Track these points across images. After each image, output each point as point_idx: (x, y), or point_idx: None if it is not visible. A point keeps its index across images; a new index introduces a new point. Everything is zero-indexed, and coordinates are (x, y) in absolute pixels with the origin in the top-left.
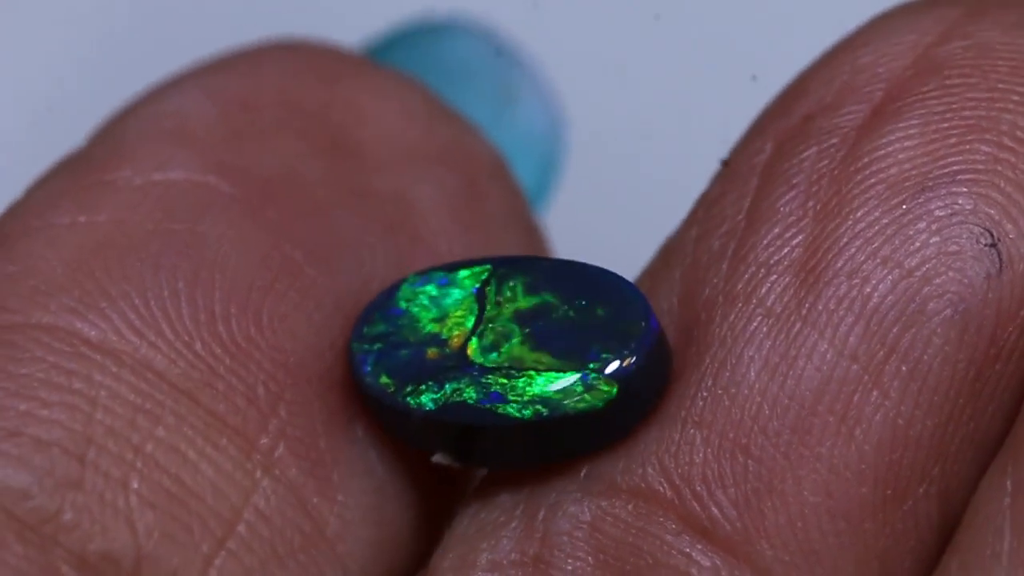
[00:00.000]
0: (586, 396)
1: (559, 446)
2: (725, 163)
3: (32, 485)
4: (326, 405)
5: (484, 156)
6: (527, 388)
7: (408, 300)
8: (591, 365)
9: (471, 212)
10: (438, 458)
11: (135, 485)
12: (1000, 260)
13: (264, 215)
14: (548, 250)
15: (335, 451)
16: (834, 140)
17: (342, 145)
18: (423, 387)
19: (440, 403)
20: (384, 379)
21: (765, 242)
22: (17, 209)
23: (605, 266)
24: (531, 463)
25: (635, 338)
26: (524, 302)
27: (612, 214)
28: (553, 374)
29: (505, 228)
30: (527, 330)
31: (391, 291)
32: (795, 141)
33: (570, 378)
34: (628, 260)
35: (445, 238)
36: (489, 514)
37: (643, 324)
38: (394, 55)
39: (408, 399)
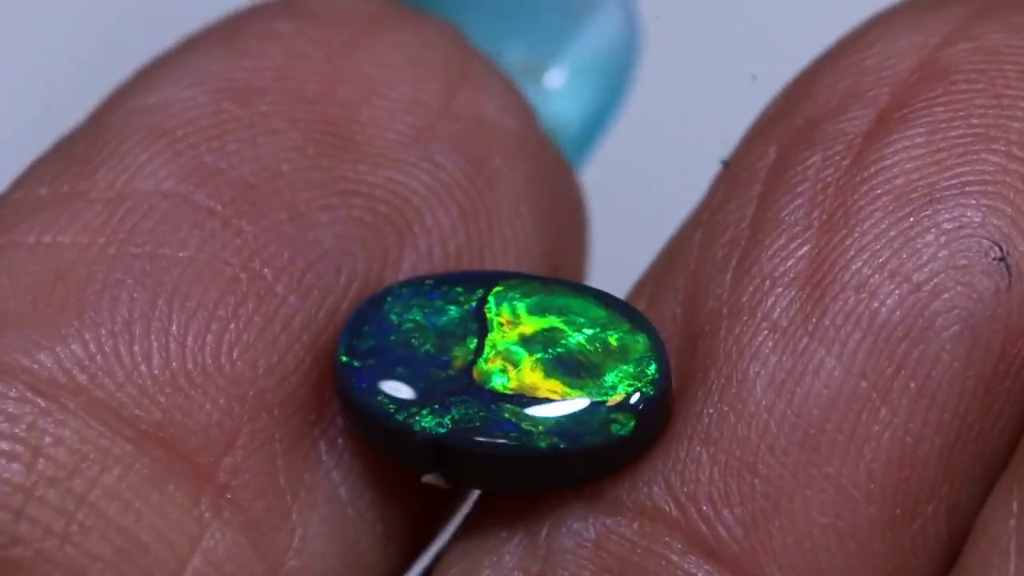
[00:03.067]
0: (605, 429)
1: (569, 475)
2: (725, 164)
3: None
4: (288, 434)
5: (505, 128)
6: (543, 418)
7: (399, 314)
8: (608, 396)
9: (474, 203)
10: (429, 478)
11: (76, 539)
12: (1009, 274)
13: (237, 228)
14: (574, 232)
15: (295, 483)
16: (839, 147)
17: (339, 133)
18: (427, 410)
19: (447, 427)
20: (382, 398)
21: (770, 253)
22: None
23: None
24: (535, 488)
25: (652, 369)
26: (530, 325)
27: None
28: (568, 403)
29: (513, 216)
30: (536, 356)
31: (376, 302)
32: (799, 147)
33: (587, 409)
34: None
35: (439, 235)
36: (492, 530)
37: (658, 355)
38: None
39: (410, 421)
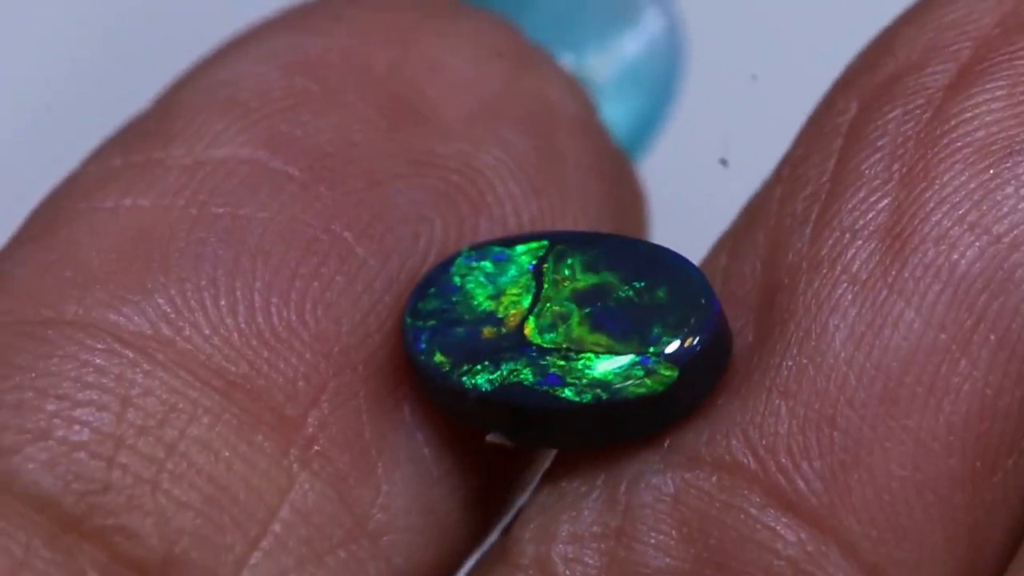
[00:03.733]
0: (647, 380)
1: (618, 429)
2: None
3: (60, 490)
4: (372, 392)
5: (567, 110)
6: (586, 371)
7: (463, 276)
8: (651, 349)
9: (543, 176)
10: (492, 437)
11: (166, 486)
12: None
13: (316, 192)
14: (636, 210)
15: (380, 440)
16: (920, 101)
17: (409, 108)
18: (479, 367)
19: (496, 384)
20: (439, 357)
21: (850, 206)
22: (70, 186)
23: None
24: (589, 445)
25: (697, 321)
26: (583, 281)
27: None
28: (613, 357)
29: (582, 192)
30: (586, 310)
31: (445, 265)
32: (880, 101)
33: (630, 362)
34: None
35: (512, 206)
36: (570, 484)
37: (705, 306)
38: None
39: (463, 379)
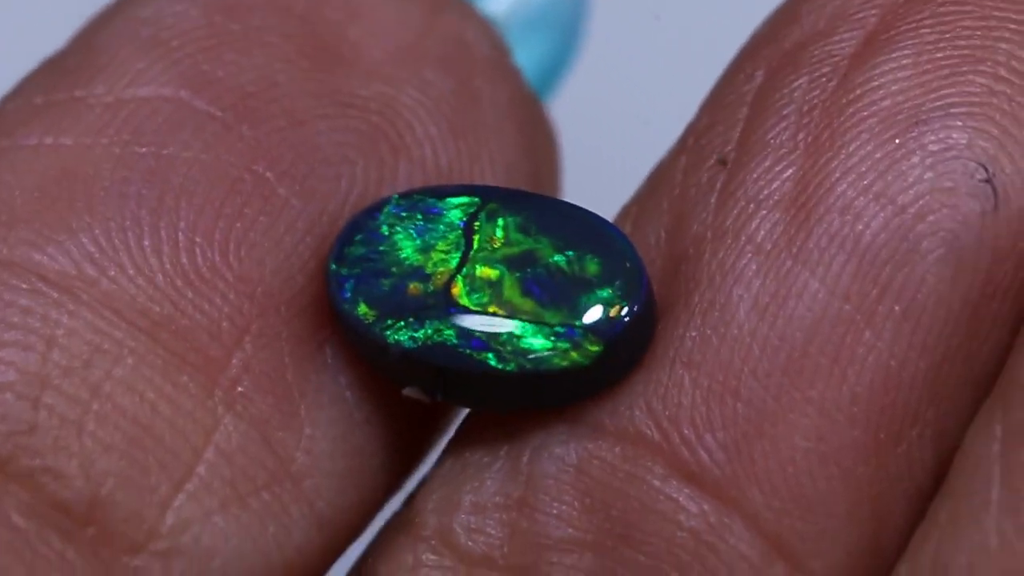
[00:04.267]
0: (572, 353)
1: (540, 397)
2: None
3: None
4: (294, 334)
5: (483, 52)
6: (511, 339)
7: (391, 225)
8: (578, 322)
9: (462, 117)
10: (409, 391)
11: (91, 427)
12: (996, 196)
13: (238, 132)
14: (549, 152)
15: (302, 382)
16: (826, 69)
17: (330, 49)
18: (402, 323)
19: (419, 342)
20: (363, 308)
21: (755, 176)
22: None
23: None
24: (509, 408)
25: (626, 296)
26: (514, 244)
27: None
28: (539, 326)
29: (499, 133)
30: (515, 275)
31: (373, 211)
32: (786, 70)
33: (556, 332)
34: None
35: (431, 147)
36: (473, 454)
37: (634, 283)
38: None
39: (387, 333)
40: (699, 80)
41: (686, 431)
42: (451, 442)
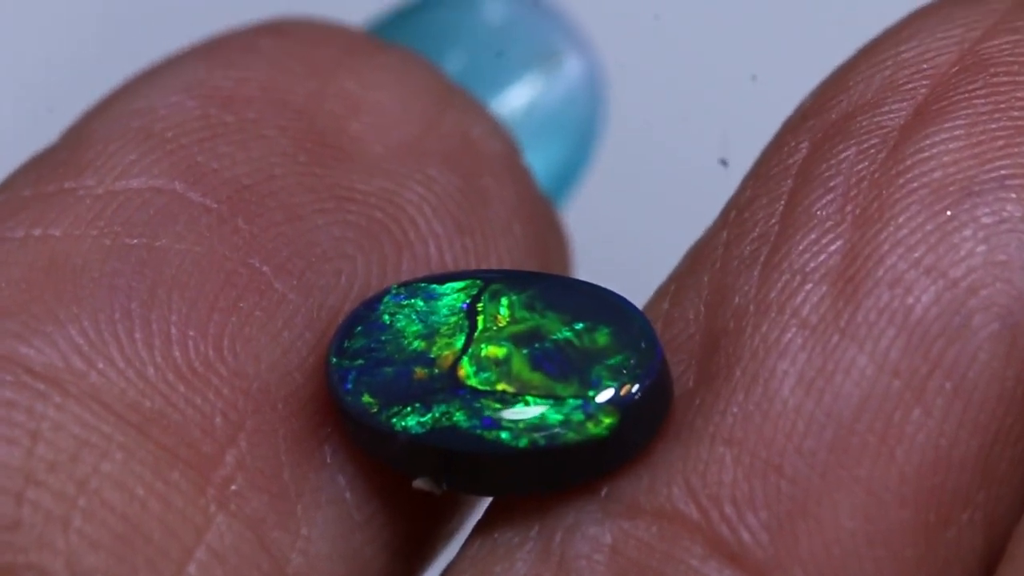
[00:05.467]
0: (587, 425)
1: (554, 476)
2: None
3: None
4: (292, 431)
5: (491, 150)
6: (523, 415)
7: (392, 314)
8: (591, 393)
9: (467, 215)
10: (420, 483)
11: (77, 524)
12: None
13: (234, 225)
14: (560, 254)
15: (300, 481)
16: (874, 140)
17: (329, 143)
18: (409, 408)
19: (428, 426)
20: (367, 398)
21: (800, 248)
22: None
23: (622, 271)
24: (523, 491)
25: (639, 365)
26: (520, 322)
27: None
28: (551, 400)
29: (507, 232)
30: (523, 352)
31: (373, 303)
32: (833, 141)
33: (569, 406)
34: (646, 266)
35: (435, 244)
36: (503, 535)
37: (647, 350)
38: (408, 26)
39: (393, 420)
40: (721, 184)
41: (727, 510)
42: (480, 522)
